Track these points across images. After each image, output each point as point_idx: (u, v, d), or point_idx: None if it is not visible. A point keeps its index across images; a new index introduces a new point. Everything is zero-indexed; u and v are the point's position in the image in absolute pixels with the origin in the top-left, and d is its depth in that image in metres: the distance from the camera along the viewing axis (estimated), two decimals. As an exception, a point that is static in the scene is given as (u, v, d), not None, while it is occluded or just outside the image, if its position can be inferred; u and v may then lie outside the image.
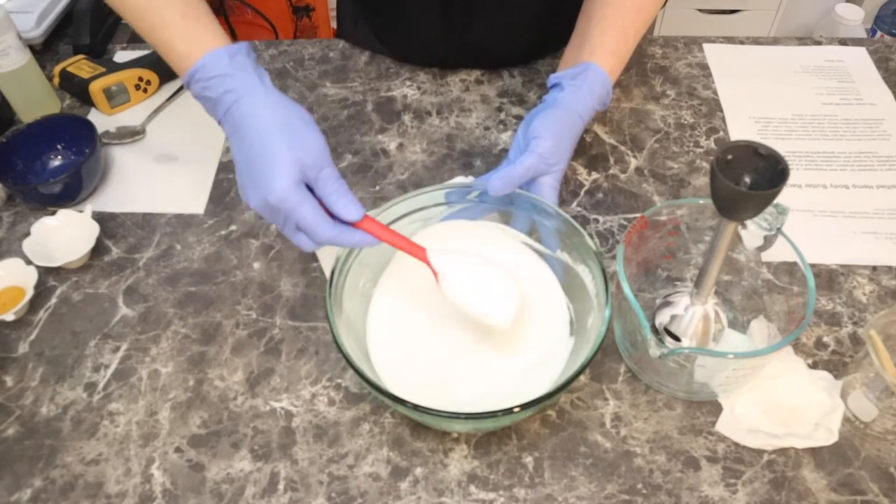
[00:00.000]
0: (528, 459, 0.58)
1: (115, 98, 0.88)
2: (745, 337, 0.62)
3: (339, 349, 0.52)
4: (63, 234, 0.73)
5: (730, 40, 0.96)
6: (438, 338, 0.60)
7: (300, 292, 0.69)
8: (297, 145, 0.55)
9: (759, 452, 0.58)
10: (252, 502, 0.56)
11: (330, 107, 0.88)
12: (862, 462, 0.57)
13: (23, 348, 0.66)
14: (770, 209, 0.52)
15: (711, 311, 0.59)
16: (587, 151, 0.82)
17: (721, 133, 0.84)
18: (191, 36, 0.59)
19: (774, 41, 0.96)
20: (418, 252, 0.57)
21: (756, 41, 0.96)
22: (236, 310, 0.68)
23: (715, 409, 0.60)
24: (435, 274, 0.57)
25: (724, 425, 0.59)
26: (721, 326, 0.60)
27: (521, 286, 0.58)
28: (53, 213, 0.74)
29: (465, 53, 0.90)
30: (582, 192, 0.77)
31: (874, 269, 0.70)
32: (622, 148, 0.82)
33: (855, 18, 1.89)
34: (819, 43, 0.96)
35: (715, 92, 0.88)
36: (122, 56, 0.95)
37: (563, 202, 0.76)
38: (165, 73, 0.90)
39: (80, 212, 0.74)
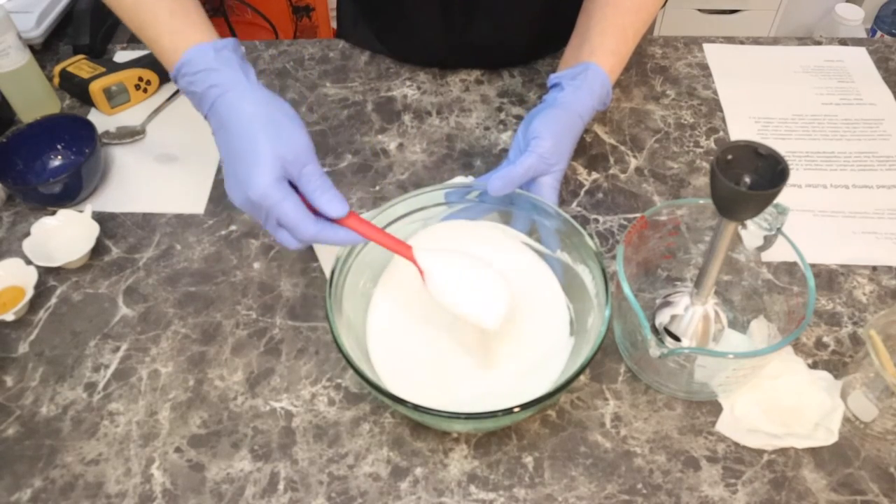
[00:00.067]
0: (528, 459, 0.58)
1: (115, 98, 0.88)
2: (745, 337, 0.62)
3: (339, 349, 0.52)
4: (63, 234, 0.73)
5: (730, 40, 0.96)
6: (439, 338, 0.60)
7: (300, 292, 0.69)
8: (280, 141, 0.54)
9: (759, 452, 0.58)
10: (252, 502, 0.56)
11: (330, 107, 0.88)
12: (862, 462, 0.57)
13: (23, 348, 0.66)
14: (770, 209, 0.52)
15: (711, 311, 0.59)
16: (587, 151, 0.82)
17: (721, 133, 0.84)
18: (178, 31, 0.59)
19: (774, 41, 0.96)
20: (404, 250, 0.56)
21: (756, 41, 0.96)
22: (236, 310, 0.68)
23: (715, 409, 0.60)
24: (421, 272, 0.56)
25: (724, 425, 0.59)
26: (721, 326, 0.60)
27: (513, 286, 0.57)
28: (53, 213, 0.74)
29: (465, 53, 0.90)
30: (582, 192, 0.77)
31: (874, 269, 0.70)
32: (622, 148, 0.82)
33: (855, 18, 1.89)
34: (819, 43, 0.96)
35: (715, 92, 0.88)
36: (122, 56, 0.95)
37: (563, 202, 0.76)
38: (165, 73, 0.90)
39: (80, 212, 0.74)
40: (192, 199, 0.78)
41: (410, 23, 0.88)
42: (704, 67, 0.92)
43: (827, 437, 0.58)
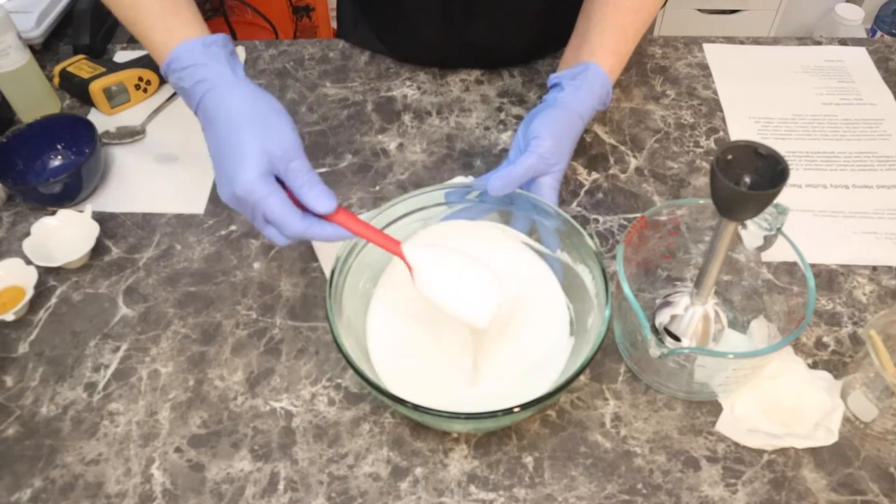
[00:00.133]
0: (528, 459, 0.58)
1: (115, 98, 0.88)
2: (745, 337, 0.62)
3: (339, 349, 0.52)
4: (63, 234, 0.73)
5: (730, 40, 0.96)
6: (439, 338, 0.60)
7: (300, 292, 0.69)
8: (266, 136, 0.54)
9: (759, 452, 0.58)
10: (252, 502, 0.56)
11: (330, 107, 0.88)
12: (862, 462, 0.57)
13: (23, 348, 0.66)
14: (770, 209, 0.52)
15: (711, 311, 0.59)
16: (587, 151, 0.82)
17: (721, 133, 0.84)
18: (167, 27, 0.59)
19: (774, 41, 0.96)
20: (392, 246, 0.56)
21: (756, 41, 0.96)
22: (236, 310, 0.68)
23: (715, 409, 0.60)
24: (410, 268, 0.55)
25: (724, 425, 0.59)
26: (721, 326, 0.60)
27: (513, 286, 0.56)
28: (53, 213, 0.74)
29: (465, 53, 0.90)
30: (582, 192, 0.77)
31: (874, 269, 0.70)
32: (622, 148, 0.82)
33: (855, 18, 1.89)
34: (819, 43, 0.96)
35: (715, 92, 0.88)
36: (122, 56, 0.95)
37: (563, 202, 0.76)
38: (165, 73, 0.90)
39: (80, 212, 0.74)
40: (192, 199, 0.78)
41: (410, 23, 0.88)
42: (704, 67, 0.92)
43: (827, 437, 0.58)
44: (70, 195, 0.76)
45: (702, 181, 0.78)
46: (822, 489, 0.56)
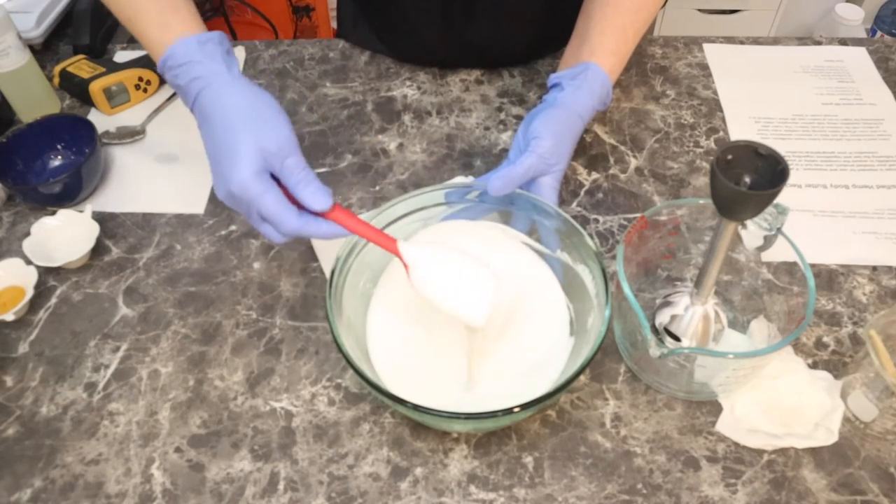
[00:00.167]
0: (528, 459, 0.58)
1: (115, 98, 0.88)
2: (745, 337, 0.62)
3: (339, 349, 0.52)
4: (63, 234, 0.73)
5: (730, 40, 0.96)
6: (439, 338, 0.60)
7: (300, 292, 0.69)
8: (261, 133, 0.54)
9: (759, 452, 0.58)
10: (252, 502, 0.56)
11: (330, 107, 0.88)
12: (862, 462, 0.57)
13: (23, 348, 0.66)
14: (770, 209, 0.52)
15: (711, 311, 0.59)
16: (587, 151, 0.82)
17: (721, 133, 0.84)
18: (163, 24, 0.59)
19: (774, 41, 0.96)
20: (388, 243, 0.55)
21: (756, 41, 0.96)
22: (236, 310, 0.68)
23: (715, 409, 0.60)
24: (405, 266, 0.55)
25: (724, 425, 0.59)
26: (721, 326, 0.60)
27: (512, 286, 0.56)
28: (53, 213, 0.74)
29: (465, 53, 0.90)
30: (582, 192, 0.77)
31: (874, 269, 0.70)
32: (622, 148, 0.82)
33: (855, 18, 1.89)
34: (819, 43, 0.96)
35: (715, 92, 0.88)
36: (122, 56, 0.95)
37: (563, 202, 0.76)
38: (165, 73, 0.90)
39: (80, 212, 0.74)
40: (192, 199, 0.78)
41: (410, 23, 0.88)
42: (704, 67, 0.92)
43: (827, 437, 0.58)
44: (70, 195, 0.76)
45: (702, 181, 0.78)
46: (822, 489, 0.56)
